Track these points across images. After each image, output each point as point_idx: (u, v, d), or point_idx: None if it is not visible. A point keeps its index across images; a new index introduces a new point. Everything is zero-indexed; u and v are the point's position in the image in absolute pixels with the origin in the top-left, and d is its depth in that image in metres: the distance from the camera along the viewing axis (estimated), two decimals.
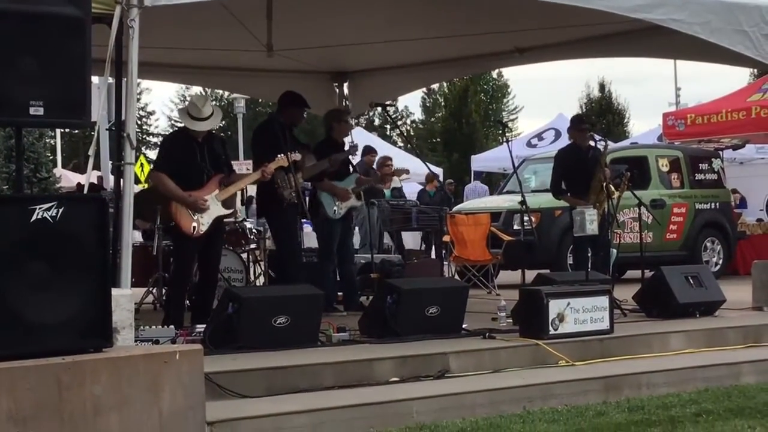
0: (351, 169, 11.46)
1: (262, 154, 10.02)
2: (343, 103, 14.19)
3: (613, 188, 11.17)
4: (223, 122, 67.78)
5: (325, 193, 10.93)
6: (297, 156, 9.74)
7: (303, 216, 10.67)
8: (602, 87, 54.48)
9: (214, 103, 11.32)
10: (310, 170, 10.79)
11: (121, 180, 6.98)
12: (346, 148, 11.46)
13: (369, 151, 17.39)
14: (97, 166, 19.46)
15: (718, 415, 6.90)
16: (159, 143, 9.60)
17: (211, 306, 9.38)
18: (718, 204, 16.96)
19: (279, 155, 9.55)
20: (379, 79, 14.18)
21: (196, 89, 55.81)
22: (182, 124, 9.35)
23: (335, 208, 10.95)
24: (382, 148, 21.03)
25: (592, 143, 11.67)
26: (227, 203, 9.31)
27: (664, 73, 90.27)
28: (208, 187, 9.09)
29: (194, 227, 8.95)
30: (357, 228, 16.20)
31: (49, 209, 5.61)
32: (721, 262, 16.83)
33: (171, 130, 39.96)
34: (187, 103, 9.30)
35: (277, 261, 11.52)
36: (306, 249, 12.30)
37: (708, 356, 8.87)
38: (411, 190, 24.24)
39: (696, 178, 16.92)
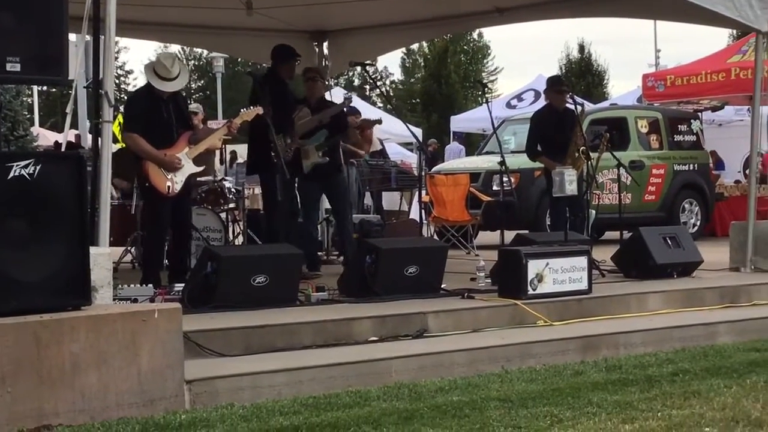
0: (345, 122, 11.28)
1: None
2: (323, 63, 14.13)
3: (590, 152, 11.14)
4: (202, 81, 67.53)
5: None
6: (259, 110, 9.61)
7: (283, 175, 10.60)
8: (582, 48, 54.43)
9: (181, 59, 11.19)
10: (303, 126, 10.69)
11: (99, 138, 6.93)
12: (340, 101, 11.30)
13: (352, 112, 17.29)
14: (74, 125, 19.30)
15: (695, 374, 6.94)
16: (124, 103, 9.39)
17: (187, 264, 9.37)
18: (696, 165, 17.01)
19: (242, 109, 9.54)
20: (358, 38, 14.11)
21: (175, 48, 55.60)
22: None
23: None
24: (362, 108, 20.95)
25: (570, 103, 11.59)
26: (198, 160, 9.29)
27: (644, 35, 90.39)
28: (178, 144, 9.05)
29: (169, 186, 8.93)
30: None
31: (26, 167, 5.58)
32: (699, 223, 16.89)
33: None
34: (153, 59, 9.18)
35: (265, 219, 11.47)
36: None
37: (685, 316, 8.93)
38: (393, 150, 24.22)
39: (675, 139, 16.95)
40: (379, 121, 13.69)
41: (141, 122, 8.97)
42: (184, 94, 10.49)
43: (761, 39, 10.84)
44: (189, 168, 9.08)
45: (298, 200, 11.18)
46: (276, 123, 9.99)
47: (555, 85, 12.00)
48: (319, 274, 10.44)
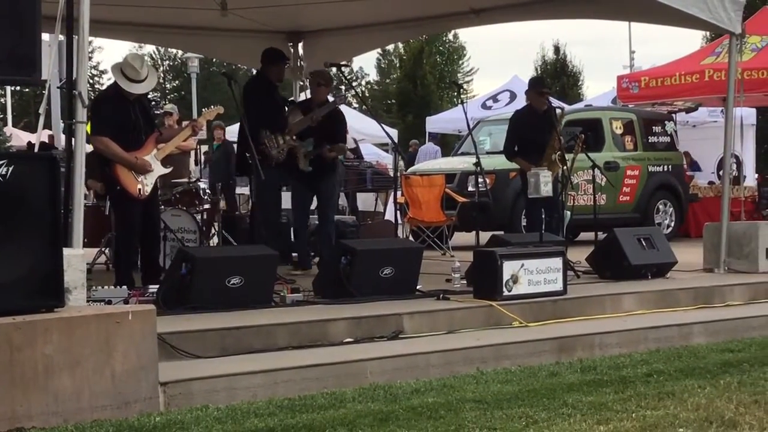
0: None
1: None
2: (298, 63, 14.12)
3: (565, 156, 11.15)
4: (177, 82, 67.31)
5: None
6: (220, 109, 9.70)
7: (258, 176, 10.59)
8: (557, 49, 54.55)
9: (156, 60, 11.24)
10: (297, 126, 10.68)
11: (73, 139, 6.90)
12: (331, 99, 11.30)
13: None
14: (48, 125, 19.22)
15: (669, 375, 6.97)
16: (91, 106, 9.19)
17: (159, 264, 9.33)
18: (670, 167, 17.09)
19: (204, 108, 9.63)
20: (334, 39, 14.10)
21: (150, 48, 55.43)
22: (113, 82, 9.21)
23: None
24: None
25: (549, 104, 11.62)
26: (168, 161, 9.27)
27: (618, 36, 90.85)
28: (146, 146, 9.00)
29: (140, 189, 8.89)
30: None
31: None
32: (673, 224, 16.98)
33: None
34: (121, 60, 9.11)
35: (250, 220, 11.48)
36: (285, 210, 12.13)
37: (659, 317, 8.96)
38: (368, 151, 24.25)
39: (649, 140, 17.03)
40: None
41: (111, 125, 8.87)
42: (159, 94, 10.53)
43: (734, 41, 10.91)
44: (158, 170, 9.06)
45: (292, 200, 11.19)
46: (268, 124, 10.07)
47: (537, 86, 11.95)
48: (294, 272, 10.39)
